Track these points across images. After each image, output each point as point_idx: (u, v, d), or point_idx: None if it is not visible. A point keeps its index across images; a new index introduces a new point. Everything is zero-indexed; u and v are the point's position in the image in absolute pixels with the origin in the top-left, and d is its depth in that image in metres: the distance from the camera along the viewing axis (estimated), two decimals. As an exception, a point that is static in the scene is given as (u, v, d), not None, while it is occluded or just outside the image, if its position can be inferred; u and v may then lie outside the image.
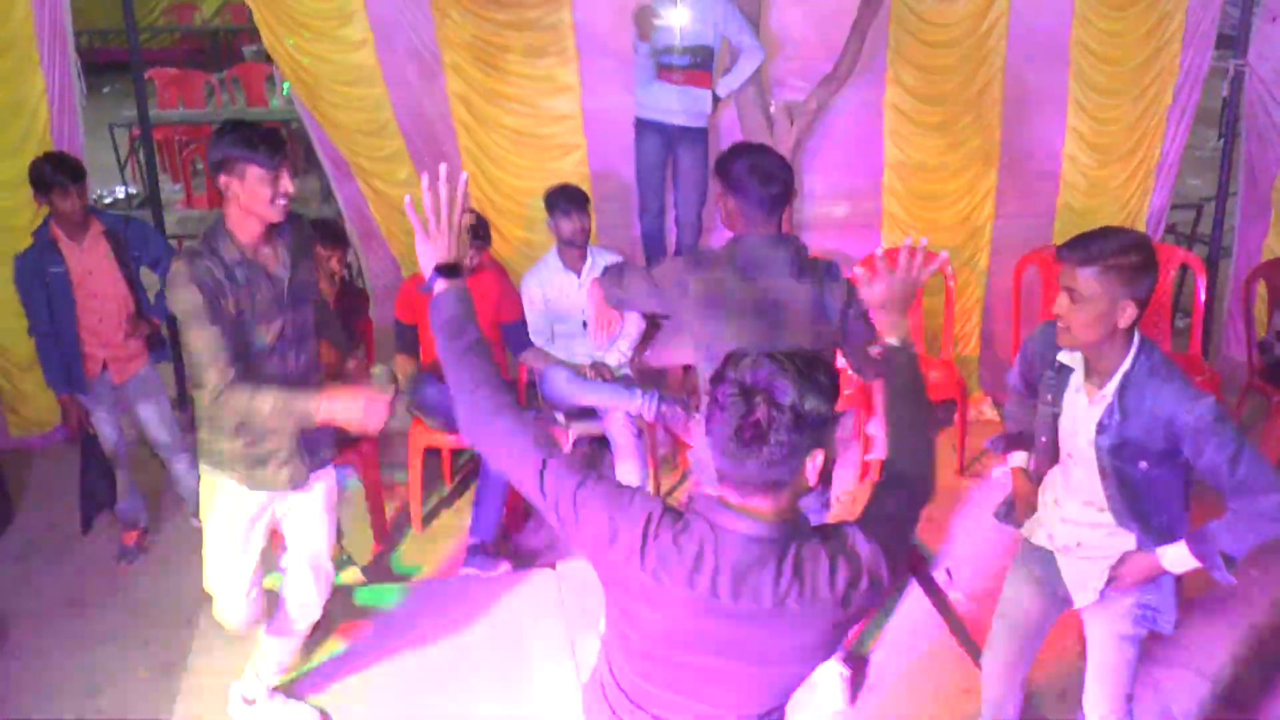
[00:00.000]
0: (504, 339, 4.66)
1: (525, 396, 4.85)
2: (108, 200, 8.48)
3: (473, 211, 4.72)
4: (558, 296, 4.73)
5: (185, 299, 2.75)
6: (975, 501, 4.83)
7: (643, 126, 5.03)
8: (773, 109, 5.08)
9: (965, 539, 4.56)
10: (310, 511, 3.20)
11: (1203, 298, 5.19)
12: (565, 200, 4.60)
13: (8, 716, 3.60)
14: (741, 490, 1.76)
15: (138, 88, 5.24)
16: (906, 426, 2.09)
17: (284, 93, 8.62)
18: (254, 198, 2.79)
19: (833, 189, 5.46)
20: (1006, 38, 5.18)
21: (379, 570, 4.33)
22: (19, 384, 5.13)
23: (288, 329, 2.96)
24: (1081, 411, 2.60)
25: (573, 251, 4.67)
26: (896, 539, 1.89)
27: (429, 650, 3.77)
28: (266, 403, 2.80)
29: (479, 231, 4.49)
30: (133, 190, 8.76)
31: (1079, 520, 2.71)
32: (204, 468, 3.07)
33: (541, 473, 1.87)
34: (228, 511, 3.07)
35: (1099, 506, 2.64)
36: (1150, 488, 2.55)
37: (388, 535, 4.55)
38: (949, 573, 4.32)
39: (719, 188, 3.04)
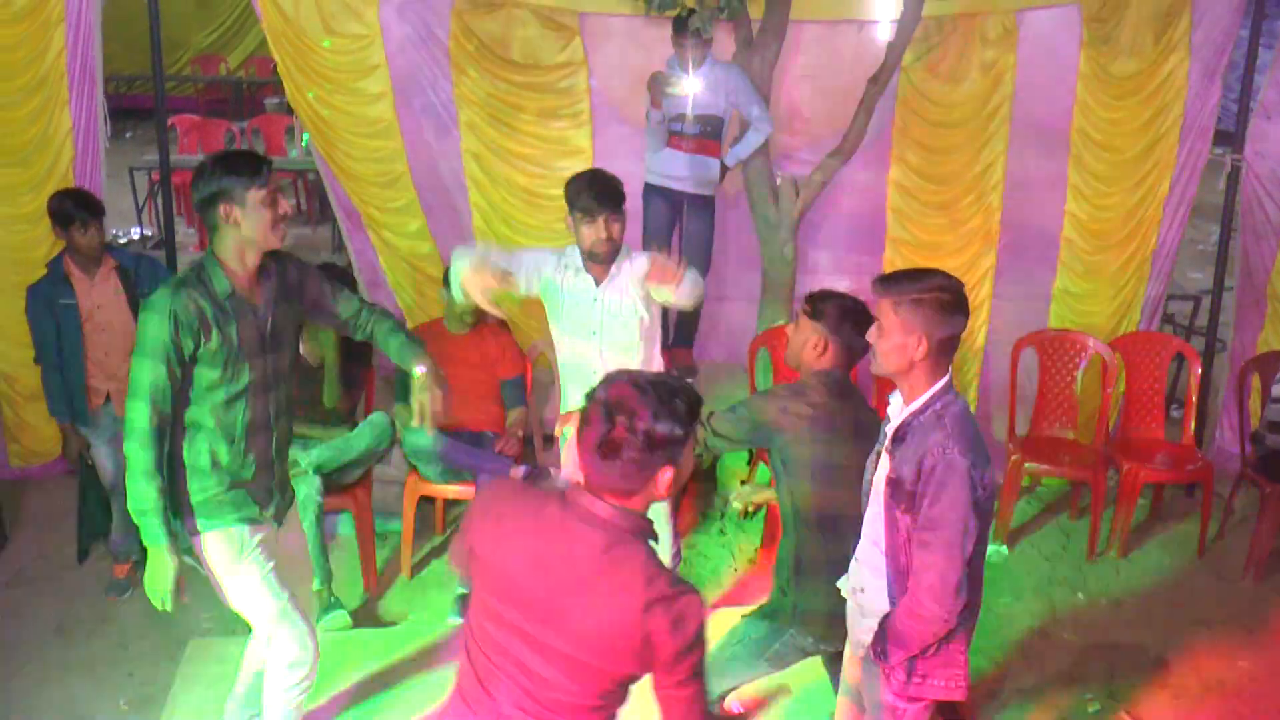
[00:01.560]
0: (502, 394, 4.71)
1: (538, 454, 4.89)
2: (123, 240, 8.59)
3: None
4: (569, 295, 3.76)
5: (152, 326, 2.72)
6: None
7: (651, 191, 5.14)
8: (779, 180, 5.19)
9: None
10: (290, 545, 3.17)
11: (1196, 388, 5.23)
12: (593, 199, 3.56)
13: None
14: (598, 492, 2.02)
15: (160, 133, 5.36)
16: None
17: (303, 144, 8.79)
18: (257, 223, 2.77)
19: (835, 263, 5.56)
20: (1010, 121, 5.32)
21: (367, 616, 4.33)
22: (22, 414, 5.18)
23: (267, 371, 2.92)
24: (884, 445, 2.63)
25: (596, 266, 3.70)
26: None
27: (414, 698, 3.77)
28: (142, 478, 2.73)
29: None
30: (148, 232, 8.89)
31: (865, 560, 2.70)
32: (201, 526, 2.91)
33: None
34: (248, 555, 2.95)
35: (881, 549, 2.62)
36: (909, 540, 2.52)
37: (377, 582, 4.56)
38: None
39: (814, 327, 3.10)
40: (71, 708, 3.75)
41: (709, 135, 4.98)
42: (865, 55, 5.04)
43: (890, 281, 2.54)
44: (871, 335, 2.58)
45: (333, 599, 4.23)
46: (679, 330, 5.38)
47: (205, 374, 2.81)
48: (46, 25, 4.74)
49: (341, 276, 4.57)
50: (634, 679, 2.04)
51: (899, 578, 2.56)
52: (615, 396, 1.97)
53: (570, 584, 1.98)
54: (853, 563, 2.77)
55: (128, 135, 11.58)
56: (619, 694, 2.06)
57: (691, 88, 4.88)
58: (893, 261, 5.51)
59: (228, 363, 2.82)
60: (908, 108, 5.30)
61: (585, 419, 1.99)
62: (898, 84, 5.17)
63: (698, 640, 1.99)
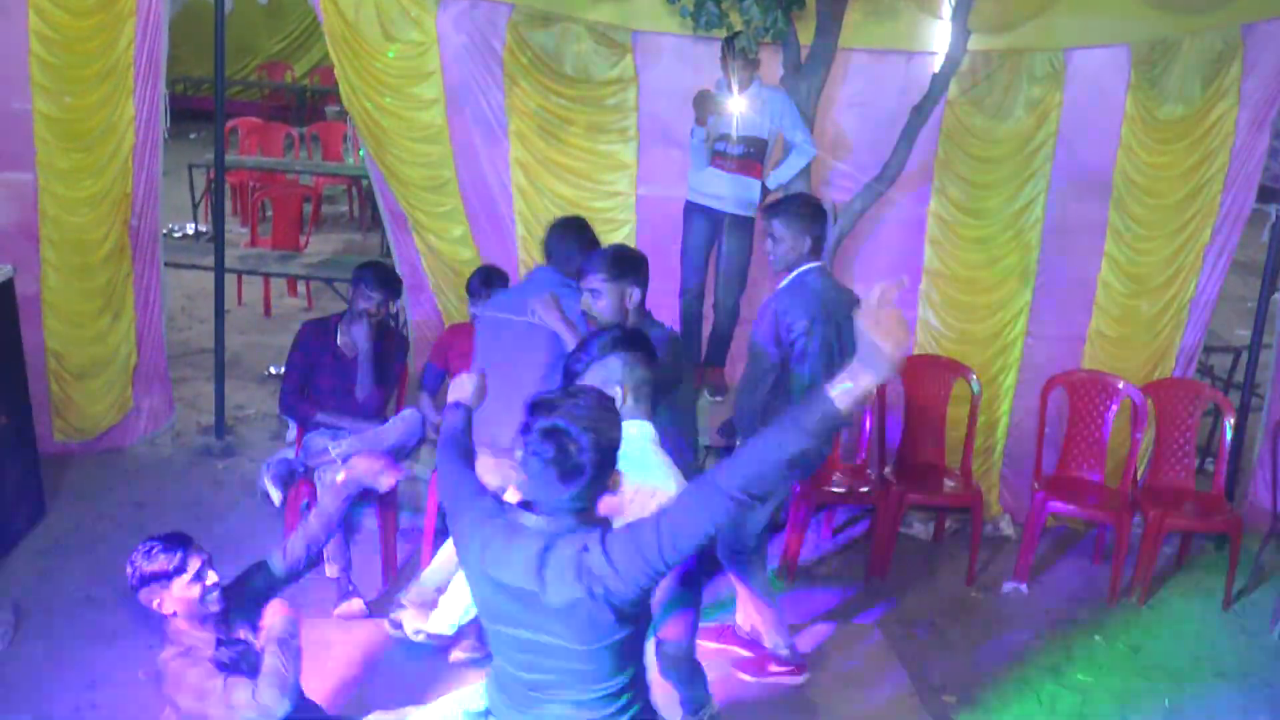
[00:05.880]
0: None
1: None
2: (177, 234, 8.78)
3: None
4: None
5: None
6: (981, 613, 4.83)
7: (692, 209, 5.19)
8: (818, 205, 5.23)
9: (969, 647, 4.55)
10: None
11: (1228, 438, 5.18)
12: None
13: (11, 697, 3.72)
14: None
15: (218, 130, 5.54)
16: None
17: (360, 155, 8.99)
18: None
19: (870, 291, 5.56)
20: (1052, 160, 5.30)
21: (383, 606, 4.39)
22: (69, 391, 5.32)
23: None
24: None
25: None
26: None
27: (423, 686, 3.81)
28: None
29: None
30: (202, 228, 9.09)
31: None
32: None
33: None
34: None
35: None
36: None
37: (396, 575, 4.63)
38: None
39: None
40: (92, 673, 3.86)
41: (752, 156, 5.04)
42: (912, 86, 5.06)
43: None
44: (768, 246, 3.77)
45: (351, 586, 4.31)
46: (711, 350, 5.42)
47: None
48: (119, 18, 4.93)
49: (391, 278, 4.70)
50: None
51: None
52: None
53: None
54: None
55: (192, 136, 11.87)
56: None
57: (736, 108, 4.94)
58: (928, 294, 5.52)
59: None
60: (951, 141, 5.31)
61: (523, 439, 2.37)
62: (942, 116, 5.19)
63: None
